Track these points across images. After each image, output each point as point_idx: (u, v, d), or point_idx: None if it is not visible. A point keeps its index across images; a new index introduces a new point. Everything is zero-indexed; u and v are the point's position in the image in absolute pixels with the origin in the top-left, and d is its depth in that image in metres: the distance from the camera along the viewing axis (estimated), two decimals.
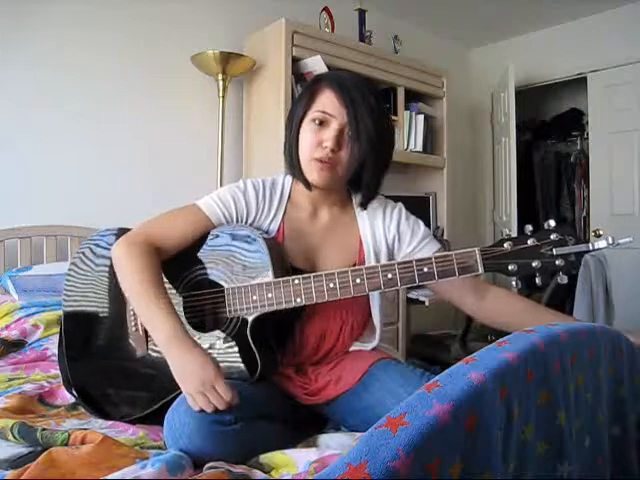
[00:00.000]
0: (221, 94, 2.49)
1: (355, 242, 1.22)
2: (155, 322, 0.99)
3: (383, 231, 1.22)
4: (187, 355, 0.94)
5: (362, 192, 1.20)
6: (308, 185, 1.16)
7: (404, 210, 1.26)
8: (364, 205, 1.22)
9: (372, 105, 1.11)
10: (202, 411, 0.91)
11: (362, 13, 2.95)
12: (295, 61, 2.51)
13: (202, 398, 0.90)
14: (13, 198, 2.12)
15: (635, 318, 2.98)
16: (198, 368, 0.92)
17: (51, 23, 2.22)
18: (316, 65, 2.49)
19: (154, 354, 1.11)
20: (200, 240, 1.14)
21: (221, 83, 2.47)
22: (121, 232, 1.17)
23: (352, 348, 1.22)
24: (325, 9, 2.79)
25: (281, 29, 2.47)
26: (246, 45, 2.69)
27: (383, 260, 1.20)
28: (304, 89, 1.20)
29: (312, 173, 1.13)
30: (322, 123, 1.12)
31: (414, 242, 1.22)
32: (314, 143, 1.11)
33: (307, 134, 1.13)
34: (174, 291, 1.15)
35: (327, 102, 1.12)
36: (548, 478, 0.70)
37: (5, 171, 2.11)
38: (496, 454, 0.58)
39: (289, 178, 1.23)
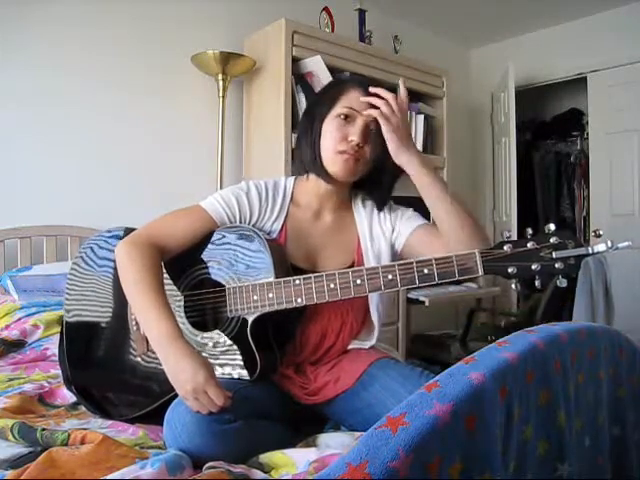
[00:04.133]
0: (221, 94, 2.49)
1: (353, 242, 1.23)
2: (151, 327, 1.00)
3: (381, 230, 1.23)
4: (180, 361, 0.95)
5: (380, 192, 1.22)
6: (329, 178, 1.17)
7: (394, 205, 1.28)
8: (381, 207, 1.24)
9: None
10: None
11: (362, 13, 2.95)
12: (295, 61, 2.51)
13: (195, 402, 0.91)
14: (13, 198, 2.12)
15: (635, 318, 2.98)
16: (190, 374, 0.93)
17: (51, 23, 2.22)
18: (316, 65, 2.49)
19: (154, 354, 1.10)
20: (203, 240, 1.14)
21: (221, 83, 2.47)
22: (127, 232, 1.17)
23: (350, 346, 1.22)
24: (325, 9, 2.79)
25: (281, 29, 2.46)
26: (246, 45, 2.68)
27: (384, 258, 1.21)
28: (326, 88, 1.24)
29: (336, 165, 1.14)
30: (347, 118, 1.14)
31: (404, 219, 1.23)
32: (339, 137, 1.13)
33: (332, 129, 1.15)
34: (176, 290, 1.15)
35: (353, 99, 1.15)
36: (548, 478, 0.70)
37: (5, 171, 2.11)
38: (496, 454, 0.58)
39: (291, 180, 1.24)
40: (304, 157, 1.20)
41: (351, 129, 1.13)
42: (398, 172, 1.18)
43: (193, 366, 0.94)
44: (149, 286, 1.03)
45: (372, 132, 1.14)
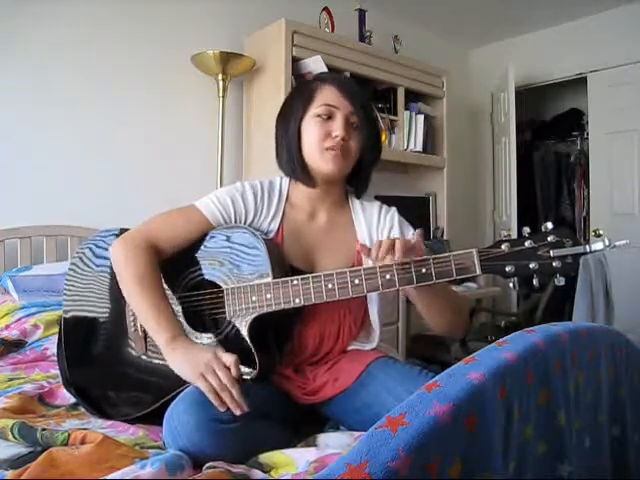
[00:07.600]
0: (221, 94, 2.49)
1: (353, 243, 1.22)
2: (155, 327, 1.02)
3: (376, 235, 1.22)
4: (187, 355, 0.97)
5: (359, 182, 1.24)
6: (310, 182, 1.18)
7: (397, 215, 1.26)
8: (359, 195, 1.26)
9: (366, 97, 1.20)
10: (202, 408, 0.91)
11: (362, 13, 2.95)
12: (295, 61, 2.51)
13: (214, 378, 0.92)
14: (13, 198, 2.12)
15: (635, 318, 2.98)
16: (198, 359, 0.96)
17: (52, 23, 2.22)
18: (316, 65, 2.49)
19: (153, 354, 1.11)
20: (199, 241, 1.14)
21: (221, 83, 2.47)
22: (122, 232, 1.17)
23: (350, 347, 1.22)
24: (325, 9, 2.79)
25: (281, 29, 2.47)
26: (246, 45, 2.69)
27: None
28: (299, 90, 1.23)
29: (326, 163, 1.14)
30: (327, 117, 1.14)
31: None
32: (322, 135, 1.13)
33: (313, 128, 1.14)
34: (173, 292, 1.15)
35: (329, 95, 1.15)
36: (548, 478, 0.70)
37: (5, 171, 2.11)
38: (496, 454, 0.58)
39: (286, 180, 1.24)
40: (283, 164, 1.20)
41: (333, 125, 1.13)
42: (377, 161, 1.23)
43: (200, 353, 0.97)
44: (150, 288, 1.05)
45: (354, 126, 1.15)
